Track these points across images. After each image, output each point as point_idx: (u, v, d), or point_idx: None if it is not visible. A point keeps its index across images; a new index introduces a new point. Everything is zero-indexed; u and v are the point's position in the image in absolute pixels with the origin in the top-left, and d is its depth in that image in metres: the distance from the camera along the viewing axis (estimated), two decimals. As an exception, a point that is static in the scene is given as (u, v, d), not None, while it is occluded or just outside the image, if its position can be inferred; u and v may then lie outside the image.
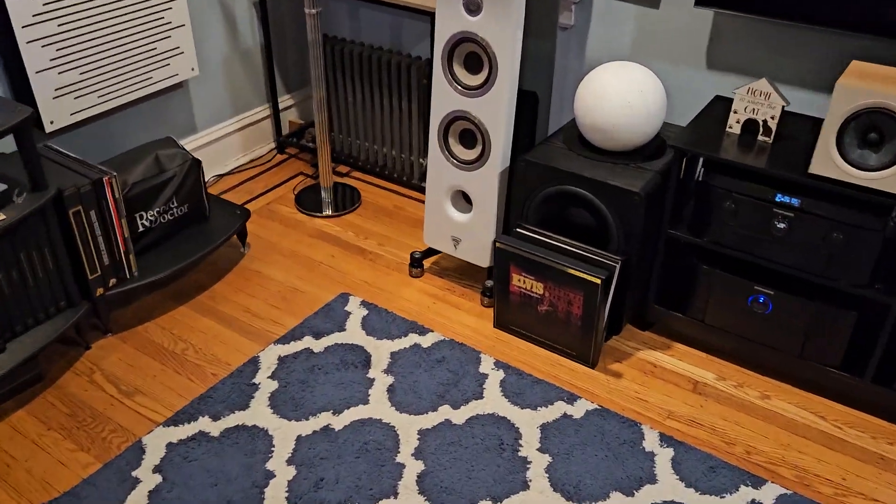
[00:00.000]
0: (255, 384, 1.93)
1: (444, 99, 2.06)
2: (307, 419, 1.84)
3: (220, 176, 2.84)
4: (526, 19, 1.95)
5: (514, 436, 1.80)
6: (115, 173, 1.95)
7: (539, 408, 1.88)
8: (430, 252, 2.36)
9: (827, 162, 1.67)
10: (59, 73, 2.13)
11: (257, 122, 2.92)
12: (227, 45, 2.70)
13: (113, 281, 2.04)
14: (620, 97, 1.91)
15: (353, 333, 2.11)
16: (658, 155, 2.03)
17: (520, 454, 1.76)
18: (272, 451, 1.75)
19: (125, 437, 1.78)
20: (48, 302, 1.91)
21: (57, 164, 1.98)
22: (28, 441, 1.76)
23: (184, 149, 2.24)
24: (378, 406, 1.88)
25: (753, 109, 1.85)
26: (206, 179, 2.77)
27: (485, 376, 1.97)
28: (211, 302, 2.22)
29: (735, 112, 1.88)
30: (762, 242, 1.85)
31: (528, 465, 1.73)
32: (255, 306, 2.20)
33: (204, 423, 1.82)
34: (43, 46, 2.06)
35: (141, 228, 2.13)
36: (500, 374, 1.98)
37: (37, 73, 2.08)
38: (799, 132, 1.91)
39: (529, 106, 2.17)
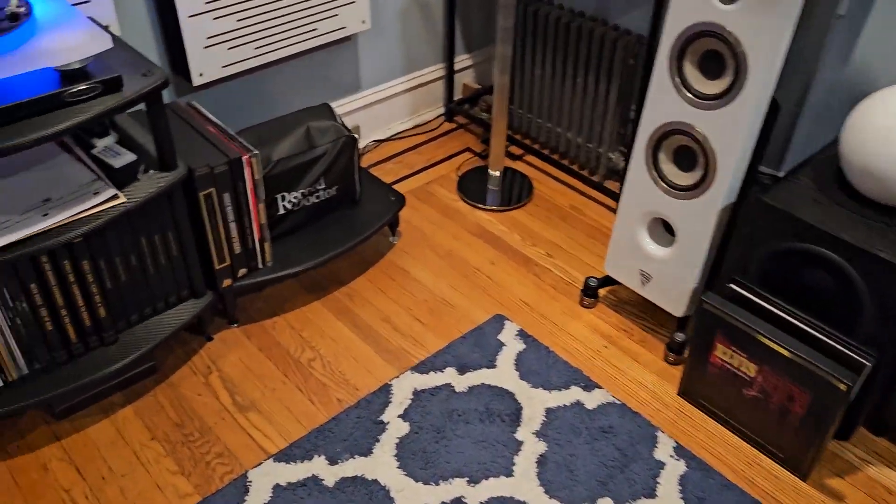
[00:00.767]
0: (383, 422, 1.63)
1: (663, 105, 1.60)
2: (437, 483, 1.52)
3: (380, 142, 2.52)
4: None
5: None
6: (255, 151, 1.66)
7: (728, 527, 1.46)
8: (610, 280, 1.94)
9: None
10: (215, 19, 1.85)
11: (427, 83, 2.56)
12: (406, -6, 2.33)
13: (243, 271, 1.79)
14: (918, 139, 1.38)
15: (505, 373, 1.75)
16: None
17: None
18: (391, 523, 1.46)
19: (231, 467, 1.54)
20: (169, 291, 1.68)
21: (194, 129, 1.72)
22: (129, 451, 1.56)
23: (340, 120, 1.92)
24: (523, 482, 1.53)
25: None
26: (362, 149, 2.46)
27: (661, 465, 1.56)
28: (348, 302, 1.93)
29: None
30: None
31: None
32: (397, 316, 1.89)
33: (319, 466, 1.54)
34: (197, -11, 1.79)
35: (281, 211, 1.85)
36: (682, 466, 1.56)
37: (189, 17, 1.81)
38: None
39: (766, 119, 1.66)
